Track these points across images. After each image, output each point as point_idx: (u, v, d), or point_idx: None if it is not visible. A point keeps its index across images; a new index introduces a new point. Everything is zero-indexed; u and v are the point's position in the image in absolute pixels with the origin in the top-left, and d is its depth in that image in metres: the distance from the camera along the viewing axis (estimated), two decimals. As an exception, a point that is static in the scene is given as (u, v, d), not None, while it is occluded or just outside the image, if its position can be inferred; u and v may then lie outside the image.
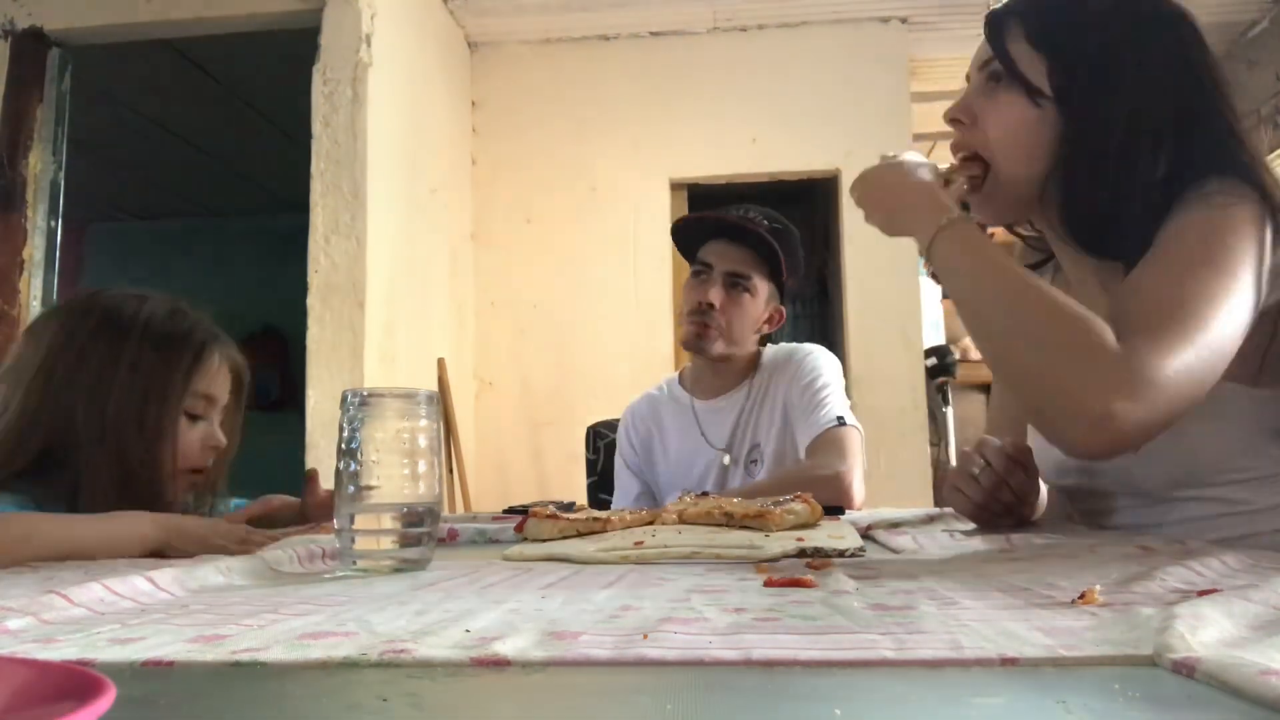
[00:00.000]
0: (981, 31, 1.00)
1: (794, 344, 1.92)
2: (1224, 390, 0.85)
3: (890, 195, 0.98)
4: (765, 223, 1.80)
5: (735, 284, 1.79)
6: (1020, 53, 0.96)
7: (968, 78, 1.05)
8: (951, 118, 1.01)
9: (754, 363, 1.88)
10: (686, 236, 1.90)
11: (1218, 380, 0.83)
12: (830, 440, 1.68)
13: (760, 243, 1.79)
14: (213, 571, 0.70)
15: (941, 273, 0.92)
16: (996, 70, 0.98)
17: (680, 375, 1.99)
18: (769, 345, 1.93)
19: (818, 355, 1.85)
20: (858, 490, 1.62)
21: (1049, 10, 0.98)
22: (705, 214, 1.90)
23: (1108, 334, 0.81)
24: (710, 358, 1.83)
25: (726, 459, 1.82)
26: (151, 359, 1.16)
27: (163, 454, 1.15)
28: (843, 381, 1.84)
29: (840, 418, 1.71)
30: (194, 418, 1.20)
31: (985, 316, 0.88)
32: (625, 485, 1.95)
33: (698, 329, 1.79)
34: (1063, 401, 0.81)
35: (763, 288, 1.81)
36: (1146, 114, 0.92)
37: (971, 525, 1.06)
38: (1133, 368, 0.78)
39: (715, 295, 1.77)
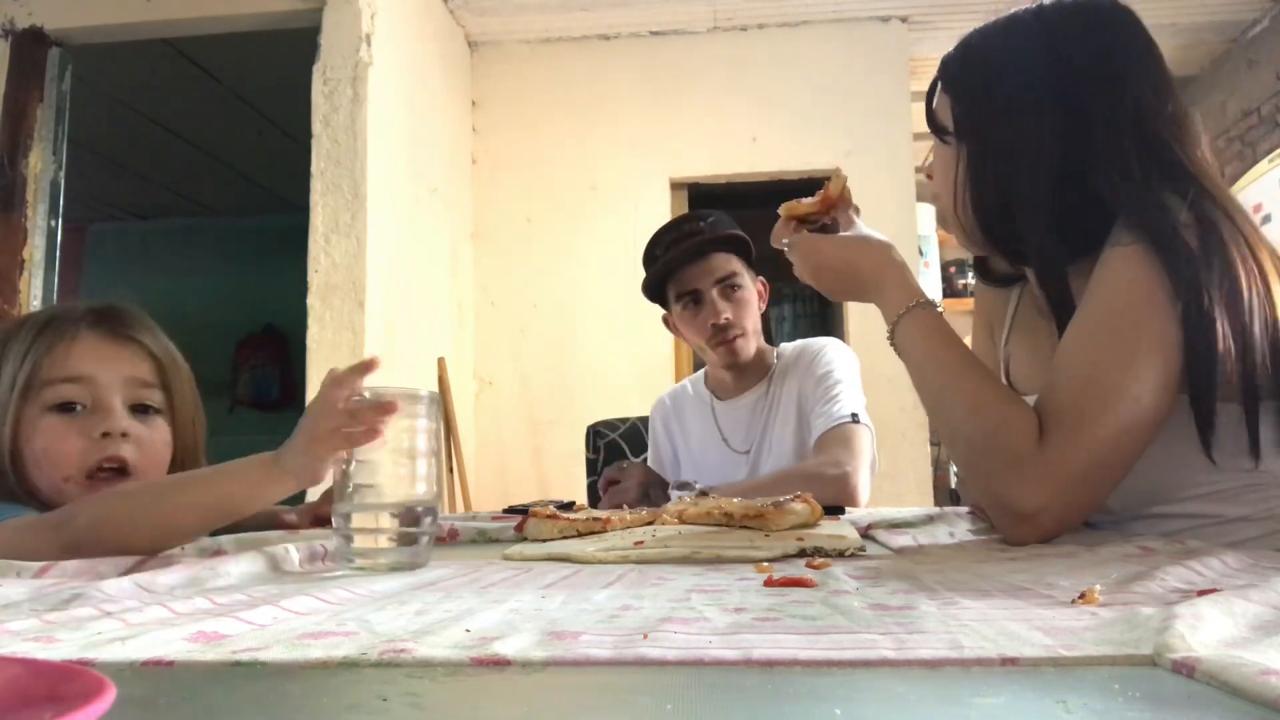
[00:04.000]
0: None
1: (809, 339, 1.90)
2: (1176, 407, 0.85)
3: (858, 272, 1.05)
4: (711, 223, 1.79)
5: (731, 287, 1.78)
6: (939, 104, 1.04)
7: None
8: (928, 175, 1.11)
9: (769, 360, 1.87)
10: (655, 282, 1.82)
11: (1155, 427, 0.84)
12: (839, 436, 1.66)
13: (727, 243, 1.77)
14: (214, 576, 0.69)
15: (899, 350, 0.99)
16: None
17: (705, 374, 1.97)
18: (785, 344, 1.91)
19: (830, 349, 1.83)
20: (863, 490, 1.60)
21: (954, 59, 1.04)
22: (668, 256, 1.80)
23: (1026, 432, 0.85)
24: (747, 362, 1.81)
25: (746, 462, 1.81)
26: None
27: (21, 464, 0.98)
28: (858, 379, 1.81)
29: (854, 414, 1.68)
30: (67, 409, 1.00)
31: (927, 402, 0.96)
32: None
33: (728, 347, 1.78)
34: (989, 499, 0.89)
35: (746, 273, 1.81)
36: (1026, 136, 0.93)
37: (975, 524, 1.06)
38: (1046, 470, 0.83)
39: (726, 309, 1.76)
